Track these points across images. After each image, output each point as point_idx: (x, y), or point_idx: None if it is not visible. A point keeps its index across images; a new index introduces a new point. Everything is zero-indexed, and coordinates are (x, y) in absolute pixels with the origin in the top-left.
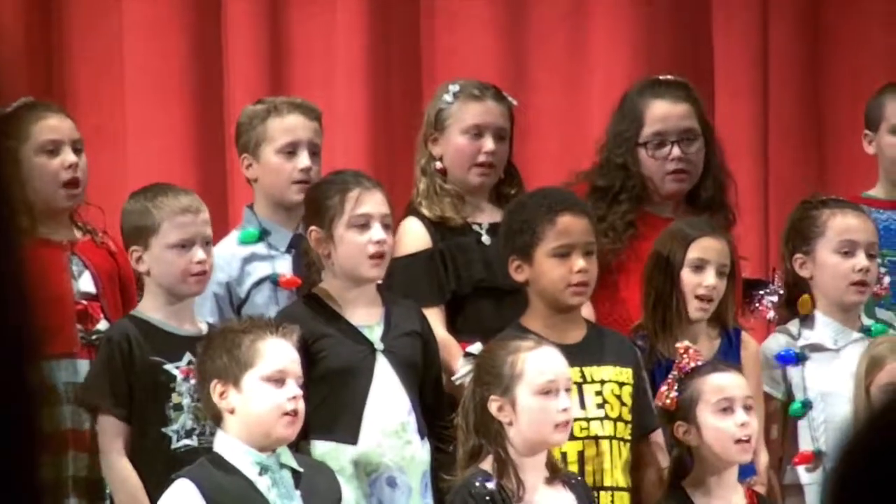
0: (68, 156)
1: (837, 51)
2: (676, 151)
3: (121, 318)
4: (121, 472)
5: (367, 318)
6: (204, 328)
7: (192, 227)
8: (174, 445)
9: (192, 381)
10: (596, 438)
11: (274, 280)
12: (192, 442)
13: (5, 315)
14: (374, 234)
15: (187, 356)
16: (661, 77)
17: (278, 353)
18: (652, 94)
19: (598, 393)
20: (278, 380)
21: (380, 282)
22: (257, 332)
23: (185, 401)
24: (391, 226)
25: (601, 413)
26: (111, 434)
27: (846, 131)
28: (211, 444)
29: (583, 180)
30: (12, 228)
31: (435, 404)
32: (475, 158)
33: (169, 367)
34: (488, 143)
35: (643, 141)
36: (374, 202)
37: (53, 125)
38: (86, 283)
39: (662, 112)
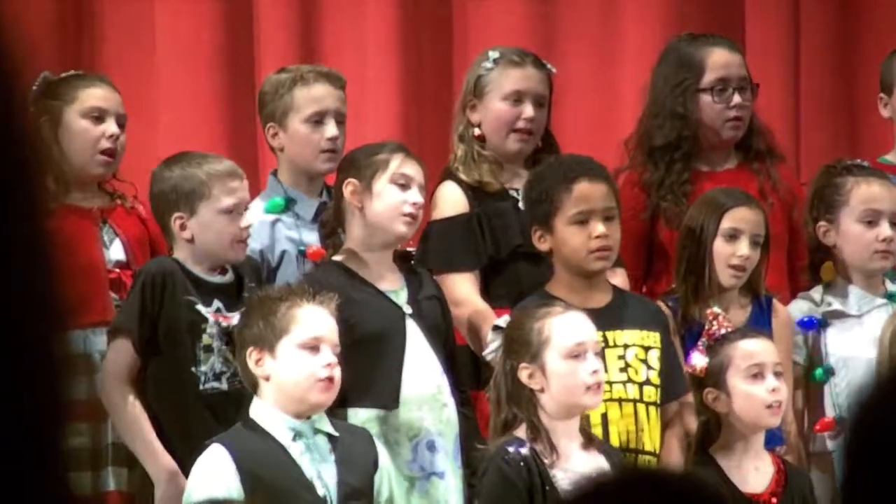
0: (111, 126)
1: (869, 17)
2: (737, 98)
3: (161, 257)
4: (124, 396)
5: (392, 283)
6: (231, 276)
7: (241, 192)
8: (202, 386)
9: (223, 324)
10: (619, 401)
11: (301, 251)
12: (222, 385)
13: (29, 283)
14: (412, 196)
15: (216, 303)
16: (701, 32)
17: (314, 321)
18: (709, 43)
19: (621, 357)
20: (313, 347)
21: (409, 249)
22: (293, 300)
23: (216, 343)
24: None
25: (624, 377)
26: (122, 359)
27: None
28: (237, 387)
29: (633, 148)
30: (38, 192)
31: (457, 370)
32: (514, 124)
33: (201, 307)
34: (528, 110)
35: (706, 86)
36: (416, 169)
37: (102, 94)
38: (117, 252)
39: (724, 59)
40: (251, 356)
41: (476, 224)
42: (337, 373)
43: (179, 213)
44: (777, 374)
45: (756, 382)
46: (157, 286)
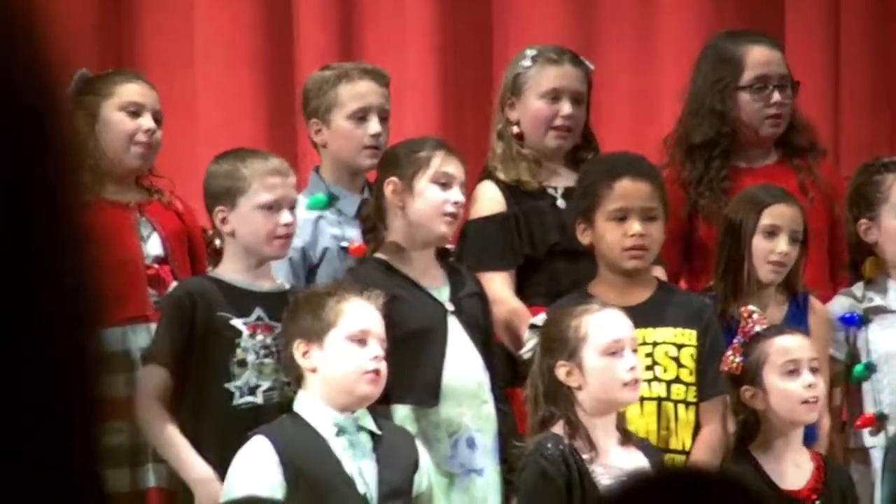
0: (148, 120)
1: None
2: (777, 96)
3: (192, 277)
4: (154, 413)
5: (434, 280)
6: (282, 285)
7: (280, 189)
8: (236, 402)
9: (259, 337)
10: (641, 399)
11: (343, 248)
12: (257, 399)
13: (63, 278)
14: (453, 195)
15: (257, 311)
16: (741, 29)
17: (362, 314)
18: (748, 40)
19: (648, 355)
20: (361, 339)
21: (449, 246)
22: (342, 294)
23: (250, 357)
24: (468, 193)
25: (649, 374)
26: (152, 381)
27: None
28: (275, 400)
29: (673, 145)
30: (75, 187)
31: (495, 367)
32: (552, 122)
33: (236, 322)
34: (566, 107)
35: (745, 84)
36: (457, 167)
37: (140, 90)
38: (154, 247)
39: (764, 57)
40: (298, 348)
41: (513, 223)
42: (383, 366)
43: (221, 207)
44: (813, 370)
45: (792, 378)
46: (186, 309)
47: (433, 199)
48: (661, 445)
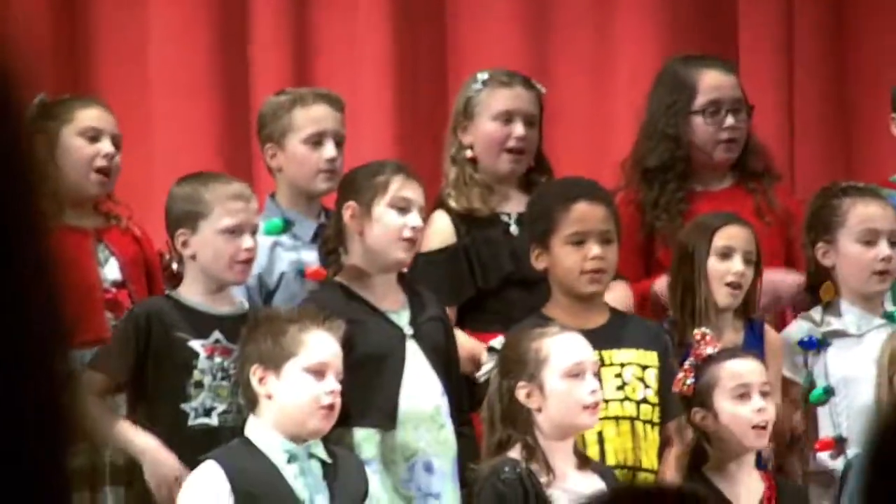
0: (107, 145)
1: (863, 37)
2: (730, 120)
3: (151, 297)
4: (98, 410)
5: (393, 304)
6: (242, 305)
7: (243, 214)
8: (190, 422)
9: (217, 360)
10: (616, 419)
11: (300, 271)
12: (212, 420)
13: (31, 303)
14: (411, 220)
15: (216, 334)
16: (696, 54)
17: (322, 346)
18: (702, 65)
19: (618, 375)
20: (319, 371)
21: (403, 270)
22: (304, 323)
23: (206, 379)
24: (424, 218)
25: (621, 395)
26: (91, 381)
27: (872, 119)
28: (229, 423)
29: (629, 169)
30: (38, 213)
31: (458, 390)
32: (506, 144)
33: (194, 343)
34: (518, 129)
35: (697, 109)
36: (415, 190)
37: (98, 115)
38: (112, 271)
39: (716, 81)
40: (255, 373)
41: (463, 256)
42: (338, 401)
43: (182, 230)
44: (764, 395)
45: (743, 402)
46: (142, 328)
47: (391, 224)
48: (636, 464)
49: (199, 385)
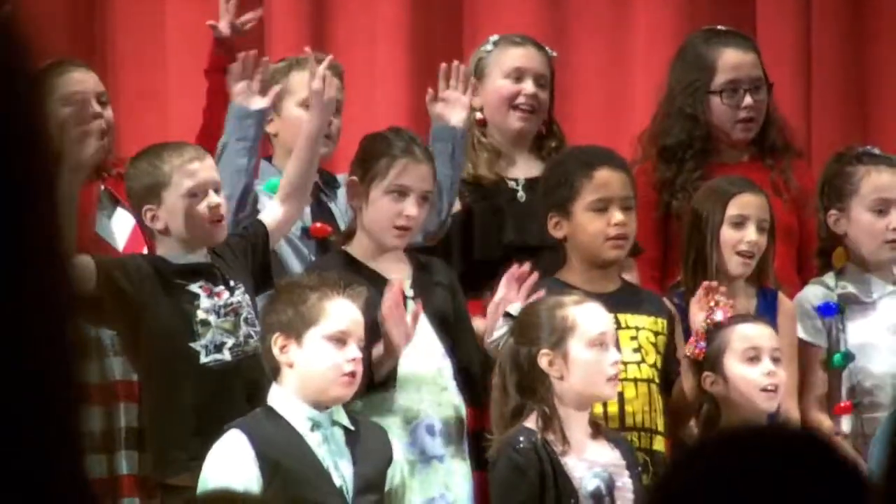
0: (94, 106)
1: (882, 9)
2: (749, 100)
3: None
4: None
5: (397, 272)
6: (207, 257)
7: (203, 173)
8: (203, 360)
9: (214, 299)
10: (635, 381)
11: (305, 229)
12: (225, 356)
13: (42, 270)
14: (407, 208)
15: (201, 281)
16: (720, 27)
17: (343, 314)
18: (720, 43)
19: (634, 338)
20: (340, 339)
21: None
22: (324, 291)
23: (212, 317)
24: (430, 200)
25: (637, 357)
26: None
27: (892, 88)
28: (247, 355)
29: (647, 143)
30: (47, 182)
31: (472, 360)
32: (515, 100)
33: (192, 286)
34: (528, 86)
35: (716, 88)
36: (417, 175)
37: (78, 78)
38: (122, 229)
39: (735, 60)
40: (276, 342)
41: (460, 230)
42: (360, 369)
43: (149, 206)
44: (775, 360)
45: (752, 365)
46: (144, 267)
47: (385, 210)
48: (652, 427)
49: (206, 324)
